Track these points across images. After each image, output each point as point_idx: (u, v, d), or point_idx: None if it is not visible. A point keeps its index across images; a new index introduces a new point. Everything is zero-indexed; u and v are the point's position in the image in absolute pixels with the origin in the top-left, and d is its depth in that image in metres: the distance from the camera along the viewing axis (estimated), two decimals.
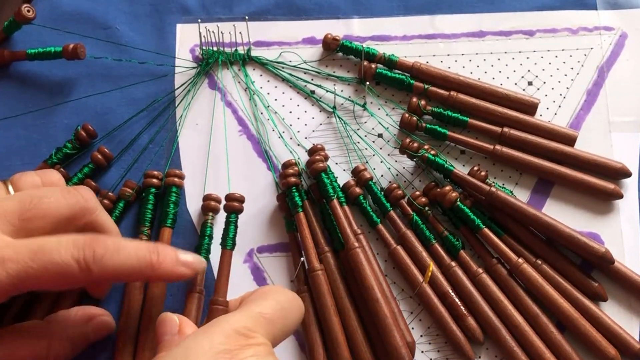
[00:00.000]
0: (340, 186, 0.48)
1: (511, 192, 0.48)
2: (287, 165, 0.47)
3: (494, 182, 0.48)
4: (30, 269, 0.32)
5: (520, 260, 0.45)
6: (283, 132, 0.51)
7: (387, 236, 0.46)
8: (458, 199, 0.46)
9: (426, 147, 0.48)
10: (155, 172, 0.47)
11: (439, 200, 0.47)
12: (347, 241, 0.44)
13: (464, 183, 0.47)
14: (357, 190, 0.47)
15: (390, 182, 0.49)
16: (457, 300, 0.44)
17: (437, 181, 0.48)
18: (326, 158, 0.48)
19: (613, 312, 0.45)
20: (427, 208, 0.47)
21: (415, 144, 0.48)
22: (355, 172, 0.48)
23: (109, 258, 0.34)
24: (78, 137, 0.48)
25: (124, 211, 0.47)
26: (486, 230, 0.46)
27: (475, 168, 0.48)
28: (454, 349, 0.44)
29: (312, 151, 0.48)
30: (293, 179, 0.46)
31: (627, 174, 0.49)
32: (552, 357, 0.42)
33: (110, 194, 0.47)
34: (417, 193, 0.48)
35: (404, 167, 0.50)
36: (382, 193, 0.48)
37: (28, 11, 0.51)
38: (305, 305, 0.43)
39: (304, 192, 0.47)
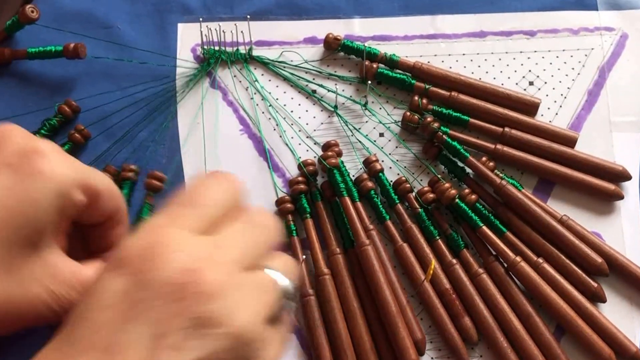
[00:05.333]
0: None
1: (519, 184, 0.48)
2: (294, 182, 0.48)
3: (502, 174, 0.48)
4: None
5: (518, 258, 0.45)
6: (284, 131, 0.51)
7: (394, 232, 0.46)
8: (457, 197, 0.46)
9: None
10: (132, 167, 0.48)
11: (438, 197, 0.47)
12: (357, 238, 0.44)
13: (476, 171, 0.48)
14: (370, 184, 0.48)
15: (398, 174, 0.49)
16: (455, 298, 0.44)
17: (440, 178, 0.48)
18: (339, 154, 0.48)
19: (614, 306, 0.45)
20: (431, 205, 0.47)
21: (436, 124, 0.48)
22: (367, 163, 0.48)
23: None
24: (60, 111, 0.49)
25: None
26: (484, 228, 0.46)
27: (484, 159, 0.48)
28: (450, 350, 0.44)
29: (326, 146, 0.49)
30: (301, 187, 0.47)
31: (627, 177, 0.49)
32: None
33: None
34: (426, 189, 0.48)
35: (405, 167, 0.50)
36: (391, 186, 0.48)
37: (32, 12, 0.51)
38: (312, 309, 0.44)
39: (317, 191, 0.48)
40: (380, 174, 0.48)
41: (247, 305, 0.29)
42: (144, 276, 0.28)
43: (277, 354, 0.31)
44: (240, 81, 0.53)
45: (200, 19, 0.53)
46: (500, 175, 0.48)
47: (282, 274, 0.32)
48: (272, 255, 0.33)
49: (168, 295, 0.27)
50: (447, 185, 0.47)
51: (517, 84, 0.53)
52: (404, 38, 0.55)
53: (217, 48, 0.53)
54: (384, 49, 0.53)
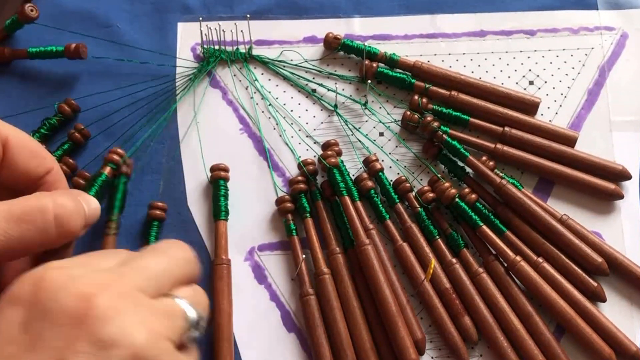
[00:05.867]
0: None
1: (519, 183, 0.48)
2: (293, 181, 0.48)
3: (502, 174, 0.48)
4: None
5: (518, 258, 0.45)
6: (284, 130, 0.51)
7: (393, 232, 0.46)
8: (457, 196, 0.46)
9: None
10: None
11: (437, 196, 0.47)
12: (357, 238, 0.45)
13: (476, 171, 0.48)
14: (369, 184, 0.48)
15: (398, 173, 0.49)
16: (454, 298, 0.44)
17: (440, 177, 0.48)
18: (339, 153, 0.48)
19: (614, 305, 0.45)
20: (431, 205, 0.47)
21: (436, 124, 0.48)
22: (367, 163, 0.48)
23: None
24: (60, 110, 0.49)
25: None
26: (484, 227, 0.46)
27: (484, 158, 0.48)
28: (450, 350, 0.44)
29: (326, 146, 0.49)
30: (301, 186, 0.47)
31: (627, 176, 0.49)
32: None
33: (86, 173, 0.47)
34: (426, 188, 0.48)
35: (405, 166, 0.50)
36: (391, 185, 0.48)
37: (31, 11, 0.51)
38: (312, 308, 0.44)
39: (316, 190, 0.48)
40: (380, 174, 0.48)
41: (145, 326, 0.29)
42: (41, 306, 0.28)
43: None
44: (240, 80, 0.53)
45: (200, 18, 0.53)
46: (500, 174, 0.48)
47: (190, 305, 0.32)
48: (184, 287, 0.33)
49: (65, 321, 0.27)
50: (447, 184, 0.47)
51: (517, 83, 0.53)
52: (404, 37, 0.55)
53: (217, 47, 0.53)
54: (383, 48, 0.53)
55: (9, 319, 0.28)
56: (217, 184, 0.47)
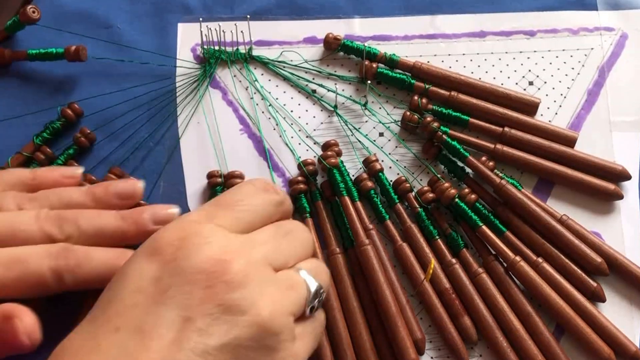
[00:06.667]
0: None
1: (519, 183, 0.48)
2: (293, 182, 0.48)
3: (502, 174, 0.48)
4: (6, 278, 0.33)
5: (518, 258, 0.45)
6: (284, 131, 0.51)
7: (393, 232, 0.46)
8: (456, 196, 0.47)
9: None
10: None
11: (437, 196, 0.47)
12: (357, 238, 0.45)
13: (476, 171, 0.48)
14: (369, 184, 0.48)
15: (398, 174, 0.49)
16: (454, 298, 0.44)
17: (439, 177, 0.48)
18: (339, 154, 0.48)
19: (613, 305, 0.45)
20: (431, 205, 0.48)
21: (436, 124, 0.48)
22: (366, 163, 0.49)
23: (80, 268, 0.35)
24: (64, 114, 0.49)
25: None
26: (484, 228, 0.46)
27: (484, 158, 0.49)
28: (450, 350, 0.44)
29: (326, 146, 0.49)
30: (301, 186, 0.47)
31: (627, 177, 0.49)
32: None
33: (92, 177, 0.47)
34: (425, 188, 0.48)
35: (405, 166, 0.50)
36: (391, 185, 0.48)
37: (33, 12, 0.50)
38: None
39: (316, 191, 0.48)
40: (380, 174, 0.48)
41: (271, 298, 0.30)
42: (177, 264, 0.29)
43: (305, 349, 0.33)
44: (240, 81, 0.53)
45: (200, 19, 0.53)
46: (500, 174, 0.48)
47: (311, 276, 0.34)
48: (305, 260, 0.35)
49: (198, 282, 0.29)
50: (446, 184, 0.47)
51: (516, 83, 0.53)
52: (404, 38, 0.55)
53: (217, 48, 0.53)
54: (383, 48, 0.53)
55: (142, 271, 0.30)
56: (214, 191, 0.47)
